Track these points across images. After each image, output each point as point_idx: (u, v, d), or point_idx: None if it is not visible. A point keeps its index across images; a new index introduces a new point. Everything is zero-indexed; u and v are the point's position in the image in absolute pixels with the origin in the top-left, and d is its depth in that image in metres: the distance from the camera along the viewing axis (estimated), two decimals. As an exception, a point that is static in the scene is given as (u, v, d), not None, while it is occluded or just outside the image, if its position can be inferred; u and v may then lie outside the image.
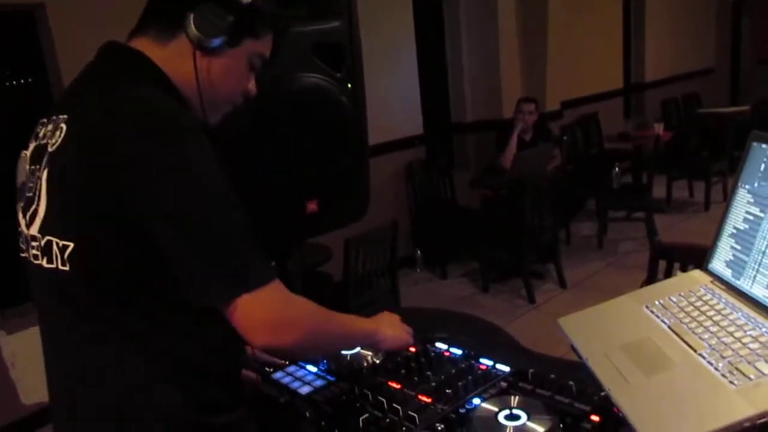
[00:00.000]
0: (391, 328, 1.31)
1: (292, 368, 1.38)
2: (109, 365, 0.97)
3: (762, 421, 0.82)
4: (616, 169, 5.42)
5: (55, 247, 0.94)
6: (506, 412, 1.11)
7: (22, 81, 3.62)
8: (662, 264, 2.21)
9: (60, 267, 0.94)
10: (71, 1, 3.32)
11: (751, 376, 0.88)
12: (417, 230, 5.24)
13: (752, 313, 1.02)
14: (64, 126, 0.96)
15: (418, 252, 5.21)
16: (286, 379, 1.34)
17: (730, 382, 0.89)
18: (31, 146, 1.02)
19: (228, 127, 1.17)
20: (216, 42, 1.03)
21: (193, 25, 1.01)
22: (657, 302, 1.15)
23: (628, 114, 7.99)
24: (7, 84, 3.59)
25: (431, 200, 5.27)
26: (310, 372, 1.36)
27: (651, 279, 2.13)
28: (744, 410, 0.83)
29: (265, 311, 0.95)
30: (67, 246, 0.92)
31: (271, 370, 1.38)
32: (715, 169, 5.92)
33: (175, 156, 0.90)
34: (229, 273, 0.93)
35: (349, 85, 1.66)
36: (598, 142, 6.57)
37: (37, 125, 1.04)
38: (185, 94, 1.04)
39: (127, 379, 0.97)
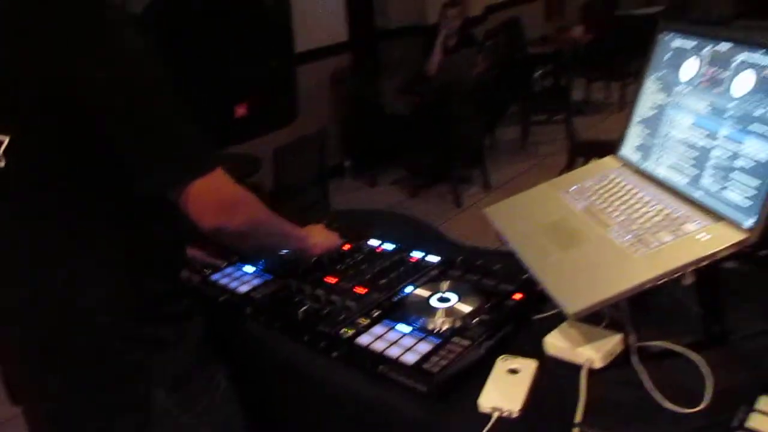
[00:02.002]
0: (320, 235, 1.38)
1: (229, 269, 1.41)
2: (51, 260, 0.99)
3: (662, 281, 0.93)
4: (538, 73, 5.52)
5: None
6: (437, 295, 1.19)
7: None
8: (580, 162, 2.33)
9: None
10: None
11: (653, 245, 0.98)
12: (345, 139, 5.25)
13: (657, 192, 1.12)
14: None
15: (348, 161, 5.24)
16: (224, 280, 1.38)
17: (636, 251, 0.99)
18: None
19: (154, 29, 1.15)
20: None
21: None
22: (573, 187, 1.24)
23: (549, 16, 8.06)
24: None
25: (359, 108, 5.25)
26: (247, 273, 1.40)
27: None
28: (645, 274, 0.93)
29: (215, 194, 1.00)
30: (2, 140, 0.92)
31: (210, 271, 1.41)
32: (632, 69, 6.11)
33: (110, 45, 0.92)
34: (180, 161, 0.97)
35: (272, -15, 1.62)
36: (521, 47, 6.63)
37: None
38: None
39: (71, 273, 0.99)
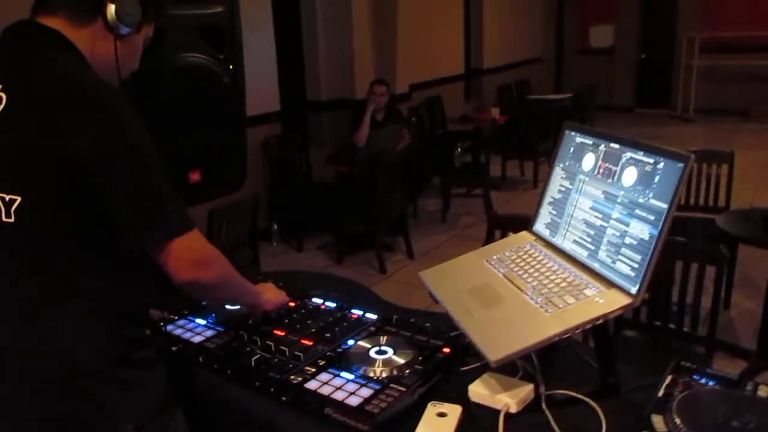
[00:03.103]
0: (271, 292, 1.52)
1: (182, 321, 1.52)
2: (42, 305, 1.09)
3: (567, 335, 1.13)
4: (458, 149, 5.89)
5: (0, 202, 1.04)
6: (376, 348, 1.35)
7: None
8: (498, 234, 2.57)
9: (4, 219, 1.05)
10: None
11: (560, 306, 1.19)
12: (273, 204, 5.37)
13: (563, 262, 1.34)
14: (2, 95, 1.06)
15: (275, 225, 5.35)
16: (178, 331, 1.48)
17: (546, 311, 1.19)
18: None
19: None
20: (131, 29, 1.20)
21: (113, 15, 1.16)
22: (494, 257, 1.44)
23: (468, 97, 8.62)
24: None
25: (287, 175, 5.41)
26: (199, 324, 1.51)
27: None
28: (554, 328, 1.12)
29: (191, 252, 1.14)
30: (14, 200, 1.03)
31: (163, 324, 1.51)
32: (542, 149, 6.61)
33: (114, 123, 1.06)
34: (164, 221, 1.11)
35: (231, 66, 1.79)
36: (442, 123, 7.06)
37: None
38: (96, 68, 1.16)
39: (63, 317, 1.09)
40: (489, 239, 2.58)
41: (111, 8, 1.16)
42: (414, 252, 4.91)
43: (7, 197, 1.05)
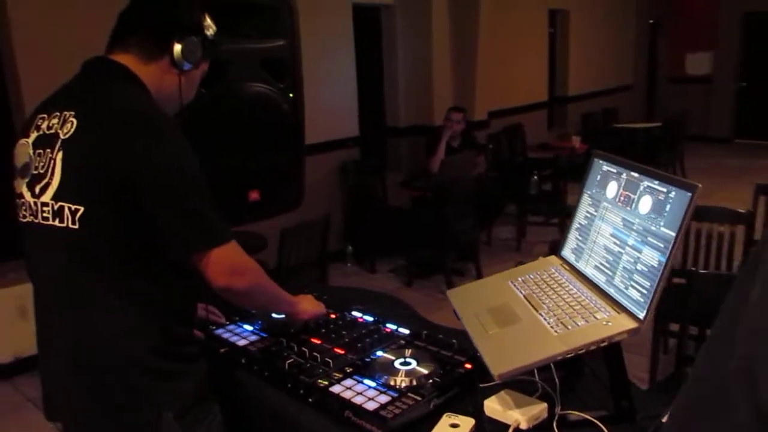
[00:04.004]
0: (308, 304, 1.64)
1: (231, 326, 1.67)
2: (98, 302, 1.25)
3: (570, 355, 1.17)
4: (535, 177, 5.87)
5: (66, 210, 1.23)
6: (401, 360, 1.44)
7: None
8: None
9: (70, 225, 1.23)
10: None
11: (569, 327, 1.23)
12: (349, 226, 5.55)
13: (582, 286, 1.38)
14: (74, 120, 1.25)
15: (349, 247, 5.52)
16: (226, 335, 1.63)
17: (555, 331, 1.24)
18: (33, 135, 1.29)
19: (188, 124, 1.46)
20: (192, 66, 1.38)
21: (179, 53, 1.34)
22: (519, 278, 1.50)
23: (552, 125, 8.55)
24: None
25: (364, 198, 5.59)
26: (246, 330, 1.65)
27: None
28: (557, 348, 1.18)
29: (227, 261, 1.28)
30: (78, 209, 1.21)
31: (214, 327, 1.66)
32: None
33: (162, 148, 1.23)
34: (204, 233, 1.25)
35: (291, 95, 1.95)
36: (522, 151, 7.06)
37: (34, 120, 1.31)
38: (158, 99, 1.34)
39: (116, 315, 1.26)
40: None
41: (177, 48, 1.35)
42: (483, 277, 4.92)
43: (73, 207, 1.22)
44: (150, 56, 1.35)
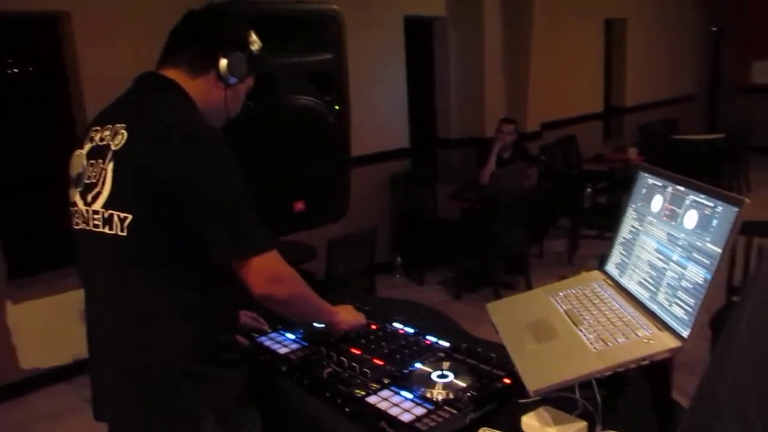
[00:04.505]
0: (348, 314, 1.65)
1: (273, 334, 1.70)
2: (144, 307, 1.30)
3: (608, 373, 1.15)
4: (588, 189, 5.76)
5: (116, 218, 1.28)
6: (438, 372, 1.43)
7: (42, 76, 3.96)
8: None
9: (119, 233, 1.28)
10: (93, 11, 3.67)
11: (609, 344, 1.21)
12: (398, 237, 5.56)
13: (624, 302, 1.35)
14: (124, 132, 1.31)
15: (398, 258, 5.53)
16: (268, 342, 1.66)
17: (594, 348, 1.21)
18: (87, 146, 1.36)
19: (235, 137, 1.51)
20: (237, 80, 1.43)
21: (225, 68, 1.39)
22: (560, 293, 1.48)
23: (608, 136, 8.38)
24: (28, 78, 3.94)
25: (414, 210, 5.59)
26: (288, 338, 1.68)
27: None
28: (594, 365, 1.15)
29: (268, 270, 1.31)
30: (127, 217, 1.27)
31: (257, 335, 1.69)
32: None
33: (205, 159, 1.27)
34: (245, 241, 1.29)
35: (336, 107, 1.98)
36: (576, 163, 6.93)
37: (89, 132, 1.38)
38: (205, 113, 1.39)
39: (161, 320, 1.30)
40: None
41: (223, 63, 1.40)
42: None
43: (122, 215, 1.28)
44: (197, 71, 1.40)
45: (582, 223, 5.87)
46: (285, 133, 1.91)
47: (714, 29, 10.31)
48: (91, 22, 3.68)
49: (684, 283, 1.19)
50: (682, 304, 1.18)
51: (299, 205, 1.96)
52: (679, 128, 8.80)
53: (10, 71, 3.96)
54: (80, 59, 3.67)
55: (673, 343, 1.15)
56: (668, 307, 1.22)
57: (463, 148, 6.13)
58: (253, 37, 1.46)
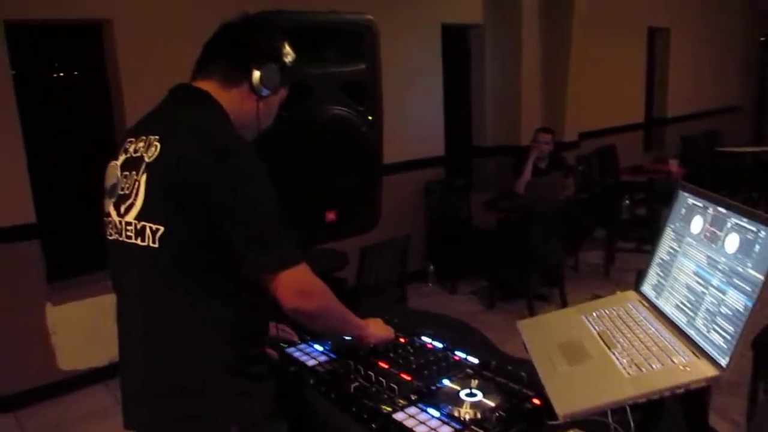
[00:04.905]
0: (376, 327, 1.63)
1: (302, 346, 1.70)
2: (175, 318, 1.31)
3: (642, 400, 1.11)
4: (626, 201, 5.64)
5: (148, 230, 1.29)
6: (467, 390, 1.41)
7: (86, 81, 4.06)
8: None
9: (151, 244, 1.29)
10: (135, 20, 3.75)
11: (643, 369, 1.17)
12: (432, 245, 5.53)
13: (660, 326, 1.31)
14: (158, 144, 1.32)
15: (431, 266, 5.49)
16: (296, 354, 1.66)
17: (627, 373, 1.18)
18: (122, 158, 1.37)
19: (269, 148, 1.51)
20: (270, 92, 1.42)
21: (258, 80, 1.39)
22: (594, 313, 1.44)
23: (648, 147, 8.21)
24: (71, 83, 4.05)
25: (448, 218, 5.55)
26: (316, 349, 1.67)
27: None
28: (628, 392, 1.12)
29: (297, 283, 1.31)
30: (159, 229, 1.28)
31: (286, 346, 1.69)
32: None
33: (235, 171, 1.27)
34: (274, 254, 1.29)
35: (369, 117, 1.98)
36: (614, 174, 6.80)
37: (124, 143, 1.39)
38: (238, 124, 1.39)
39: (192, 333, 1.31)
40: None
41: (256, 75, 1.40)
42: (568, 304, 4.77)
43: (155, 227, 1.29)
44: (230, 82, 1.40)
45: (618, 236, 5.75)
46: (318, 143, 1.91)
47: (762, 39, 10.04)
48: (133, 30, 3.75)
49: (723, 309, 1.15)
50: (721, 331, 1.14)
51: (330, 216, 1.96)
52: (723, 140, 8.57)
53: (56, 75, 4.08)
54: (121, 66, 3.75)
55: (710, 371, 1.11)
56: (706, 333, 1.18)
57: (497, 157, 6.07)
58: (287, 48, 1.46)
